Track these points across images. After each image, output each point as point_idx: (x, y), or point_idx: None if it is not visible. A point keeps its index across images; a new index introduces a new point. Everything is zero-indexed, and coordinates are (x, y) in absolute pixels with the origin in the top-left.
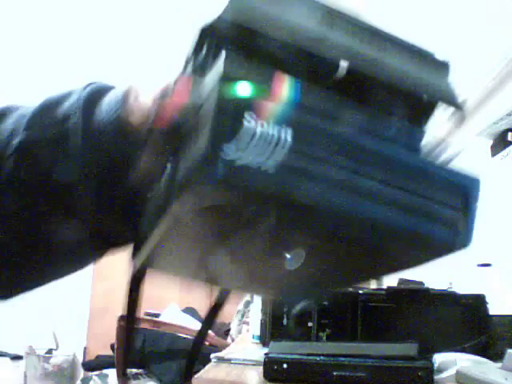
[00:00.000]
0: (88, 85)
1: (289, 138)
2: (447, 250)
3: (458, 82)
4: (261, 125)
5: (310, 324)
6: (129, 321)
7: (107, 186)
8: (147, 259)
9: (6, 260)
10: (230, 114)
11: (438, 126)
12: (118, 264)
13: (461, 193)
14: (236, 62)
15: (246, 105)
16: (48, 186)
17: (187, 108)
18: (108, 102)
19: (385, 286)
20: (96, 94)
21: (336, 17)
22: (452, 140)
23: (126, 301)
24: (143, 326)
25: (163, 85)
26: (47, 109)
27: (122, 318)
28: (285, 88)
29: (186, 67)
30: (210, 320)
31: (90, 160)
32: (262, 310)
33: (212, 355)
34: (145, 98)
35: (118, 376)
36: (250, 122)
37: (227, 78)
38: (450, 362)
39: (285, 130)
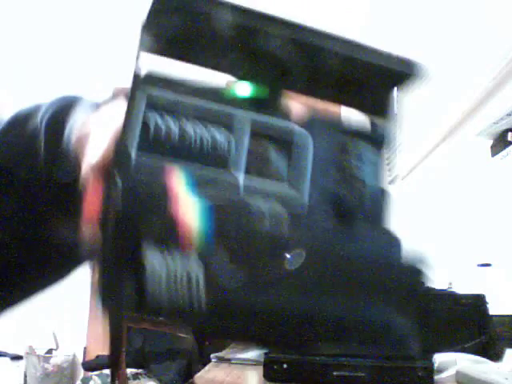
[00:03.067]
0: (54, 101)
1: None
2: None
3: (458, 82)
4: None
5: None
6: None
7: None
8: None
9: (6, 261)
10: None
11: None
12: None
13: None
14: None
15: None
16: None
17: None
18: (69, 126)
19: None
20: (61, 112)
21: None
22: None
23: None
24: (143, 326)
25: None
26: (15, 125)
27: None
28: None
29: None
30: None
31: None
32: None
33: (212, 355)
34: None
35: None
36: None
37: None
38: (450, 362)
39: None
